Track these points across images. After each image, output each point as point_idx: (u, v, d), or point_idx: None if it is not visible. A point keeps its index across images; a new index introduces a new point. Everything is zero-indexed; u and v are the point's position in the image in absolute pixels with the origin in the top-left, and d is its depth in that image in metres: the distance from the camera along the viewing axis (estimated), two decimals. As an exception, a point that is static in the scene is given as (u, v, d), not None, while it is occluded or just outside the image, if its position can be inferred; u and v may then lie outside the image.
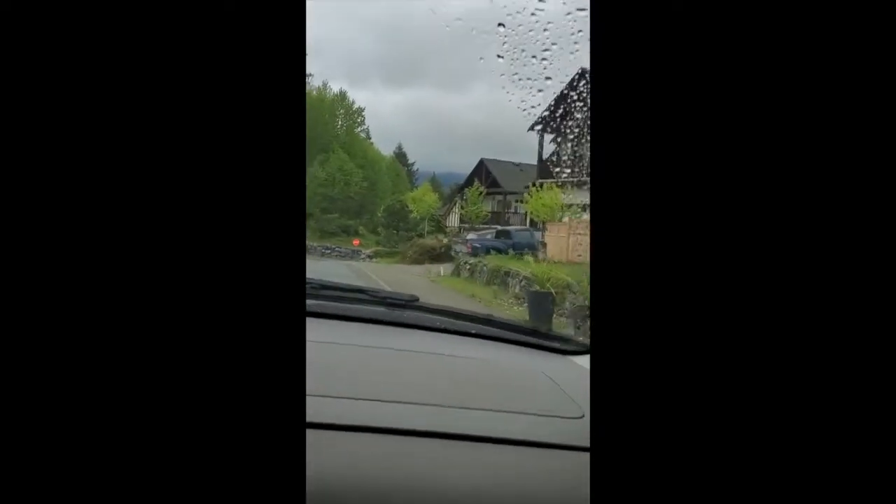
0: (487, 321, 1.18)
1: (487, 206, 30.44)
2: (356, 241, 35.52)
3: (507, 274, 12.79)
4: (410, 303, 1.17)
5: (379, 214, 37.19)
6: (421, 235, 32.32)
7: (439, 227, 31.88)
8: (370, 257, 31.30)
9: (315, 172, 41.18)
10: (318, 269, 16.33)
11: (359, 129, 50.32)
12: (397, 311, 1.13)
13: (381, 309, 1.14)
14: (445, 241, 24.19)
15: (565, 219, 15.08)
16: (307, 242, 37.47)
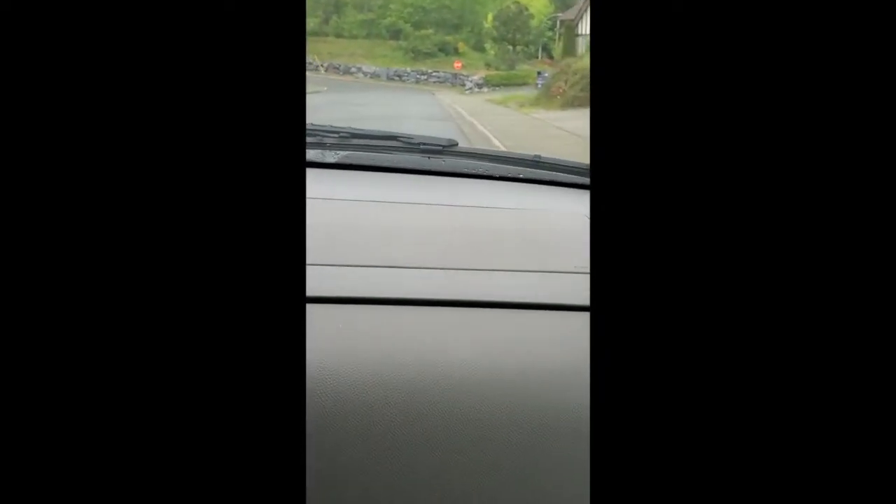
0: (536, 163, 1.09)
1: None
2: (458, 64, 28.17)
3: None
4: (448, 148, 1.10)
5: (488, 24, 28.68)
6: (544, 50, 23.97)
7: (571, 37, 23.14)
8: (479, 86, 23.67)
9: (403, -22, 33.00)
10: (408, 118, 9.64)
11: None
12: (434, 159, 1.06)
13: (416, 157, 1.07)
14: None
15: None
16: (401, 68, 31.25)
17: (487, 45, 28.52)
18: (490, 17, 28.62)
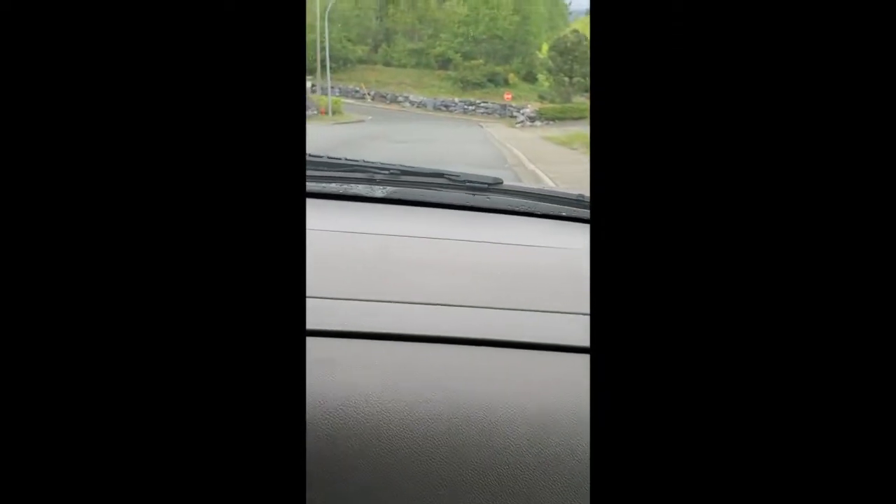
0: (579, 202, 1.11)
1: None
2: (508, 95, 26.95)
3: None
4: (493, 186, 1.13)
5: (542, 54, 27.42)
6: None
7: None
8: (531, 119, 22.25)
9: (454, 8, 32.22)
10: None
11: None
12: (479, 196, 1.09)
13: (462, 194, 1.11)
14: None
15: None
16: (448, 99, 30.31)
17: (541, 76, 27.16)
18: (545, 47, 27.31)
